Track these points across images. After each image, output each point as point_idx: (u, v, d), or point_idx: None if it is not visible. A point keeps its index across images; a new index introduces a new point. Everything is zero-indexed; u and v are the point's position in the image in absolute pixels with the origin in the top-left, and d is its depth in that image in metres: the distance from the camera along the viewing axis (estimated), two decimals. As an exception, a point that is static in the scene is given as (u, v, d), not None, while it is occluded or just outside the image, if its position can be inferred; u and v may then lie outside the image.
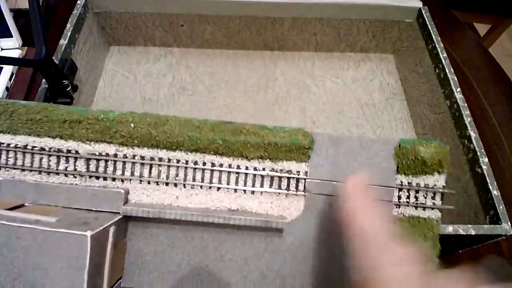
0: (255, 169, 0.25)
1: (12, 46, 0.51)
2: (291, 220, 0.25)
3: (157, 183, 0.25)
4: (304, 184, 0.25)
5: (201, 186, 0.25)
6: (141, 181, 0.25)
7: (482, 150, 0.35)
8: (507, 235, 0.31)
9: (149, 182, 0.25)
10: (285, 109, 0.49)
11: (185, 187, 0.25)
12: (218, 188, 0.25)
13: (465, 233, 0.31)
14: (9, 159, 0.25)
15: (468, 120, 0.38)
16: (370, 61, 0.54)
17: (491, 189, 0.33)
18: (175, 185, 0.25)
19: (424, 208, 0.24)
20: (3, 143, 0.25)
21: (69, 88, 0.38)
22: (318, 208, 0.24)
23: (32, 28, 0.33)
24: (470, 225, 0.31)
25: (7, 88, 0.47)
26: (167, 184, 0.25)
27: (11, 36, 0.50)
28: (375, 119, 0.49)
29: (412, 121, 0.49)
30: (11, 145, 0.25)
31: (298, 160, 0.25)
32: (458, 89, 0.40)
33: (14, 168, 0.25)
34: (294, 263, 0.24)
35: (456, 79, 0.41)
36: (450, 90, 0.41)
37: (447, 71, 0.42)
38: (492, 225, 0.32)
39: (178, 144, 0.25)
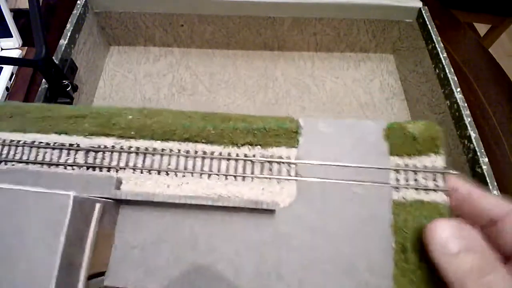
0: (245, 155, 0.25)
1: (12, 46, 0.51)
2: (284, 207, 0.24)
3: (149, 172, 0.25)
4: (296, 169, 0.24)
5: (192, 174, 0.25)
6: (134, 170, 0.25)
7: (482, 150, 0.35)
8: (507, 235, 0.31)
9: (141, 172, 0.25)
10: (285, 109, 0.49)
11: (176, 175, 0.25)
12: (209, 176, 0.25)
13: (465, 233, 0.31)
14: (16, 155, 0.26)
15: (468, 120, 0.38)
16: (370, 61, 0.55)
17: (491, 189, 0.33)
18: (167, 173, 0.25)
19: (426, 191, 0.23)
20: (13, 141, 0.26)
21: (69, 88, 0.38)
22: (312, 193, 0.23)
23: (32, 28, 0.33)
24: (470, 225, 0.31)
25: (7, 88, 0.47)
26: (159, 173, 0.25)
27: (11, 36, 0.50)
28: (375, 119, 0.49)
29: (412, 121, 0.49)
30: (20, 142, 0.26)
31: (287, 145, 0.25)
32: (458, 89, 0.40)
33: (19, 162, 0.26)
34: (289, 254, 0.23)
35: (456, 79, 0.41)
36: (450, 90, 0.41)
37: (447, 71, 0.42)
38: (492, 225, 0.32)
39: (171, 133, 0.26)
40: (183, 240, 0.24)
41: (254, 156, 0.25)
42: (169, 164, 0.25)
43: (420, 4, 0.49)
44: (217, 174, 0.25)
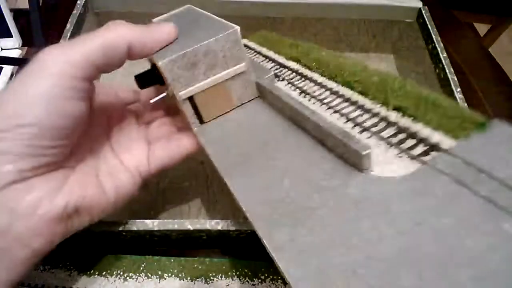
0: (386, 118, 0.23)
1: (12, 46, 0.51)
2: (380, 176, 0.20)
3: (314, 99, 0.28)
4: (433, 155, 0.20)
5: (326, 105, 0.27)
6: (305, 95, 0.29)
7: (482, 150, 0.35)
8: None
9: (309, 100, 0.28)
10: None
11: (317, 104, 0.27)
12: (334, 112, 0.26)
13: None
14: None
15: (468, 120, 0.38)
16: (370, 61, 0.54)
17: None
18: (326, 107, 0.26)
19: None
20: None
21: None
22: (429, 188, 0.18)
23: (32, 28, 0.33)
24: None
25: (7, 88, 0.47)
26: (322, 104, 0.27)
27: (11, 36, 0.50)
28: (375, 119, 0.49)
29: (412, 121, 0.49)
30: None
31: (450, 133, 0.20)
32: (458, 89, 0.40)
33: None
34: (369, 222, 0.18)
35: (456, 79, 0.41)
36: (450, 90, 0.41)
37: (447, 71, 0.42)
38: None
39: (352, 83, 0.27)
40: (272, 140, 0.25)
41: (396, 122, 0.22)
42: (329, 102, 0.27)
43: (420, 4, 0.49)
44: (352, 123, 0.24)
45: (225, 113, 0.28)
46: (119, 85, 0.28)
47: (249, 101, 0.29)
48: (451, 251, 0.15)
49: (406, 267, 0.15)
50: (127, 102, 0.28)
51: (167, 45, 0.25)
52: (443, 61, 0.43)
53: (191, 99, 0.26)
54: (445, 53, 0.43)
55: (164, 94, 0.27)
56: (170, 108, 0.29)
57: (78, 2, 0.45)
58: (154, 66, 0.25)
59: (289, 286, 0.16)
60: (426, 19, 0.47)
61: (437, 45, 0.44)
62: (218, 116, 0.28)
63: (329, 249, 0.17)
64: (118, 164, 0.26)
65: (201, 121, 0.27)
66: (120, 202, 0.25)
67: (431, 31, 0.46)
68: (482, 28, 1.09)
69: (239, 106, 0.28)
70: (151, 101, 0.27)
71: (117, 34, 0.21)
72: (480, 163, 0.18)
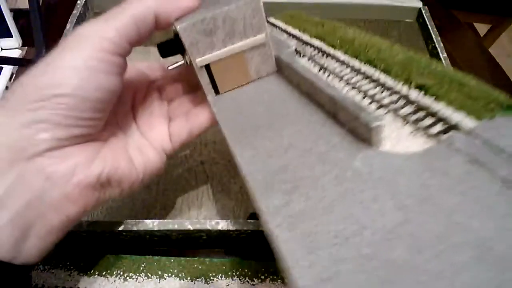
0: (406, 96, 0.22)
1: (12, 46, 0.51)
2: (391, 151, 0.19)
3: (322, 69, 0.27)
4: (451, 134, 0.19)
5: (342, 79, 0.26)
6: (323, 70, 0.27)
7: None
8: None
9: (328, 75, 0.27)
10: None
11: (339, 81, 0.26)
12: (352, 87, 0.25)
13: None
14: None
15: (468, 120, 0.37)
16: (370, 61, 0.54)
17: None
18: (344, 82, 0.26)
19: None
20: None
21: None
22: (441, 166, 0.18)
23: (32, 28, 0.33)
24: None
25: (7, 88, 0.47)
26: (326, 73, 0.27)
27: (11, 36, 0.50)
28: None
29: (412, 121, 0.49)
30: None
31: (472, 114, 0.19)
32: (458, 89, 0.40)
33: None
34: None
35: (456, 79, 0.41)
36: (450, 90, 0.41)
37: (447, 71, 0.42)
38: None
39: (376, 62, 0.25)
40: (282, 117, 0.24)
41: (417, 100, 0.21)
42: (346, 77, 0.26)
43: (420, 4, 0.49)
44: (364, 92, 0.23)
45: (242, 85, 0.28)
46: (144, 62, 0.30)
47: (266, 75, 0.28)
48: (454, 231, 0.15)
49: (403, 241, 0.15)
50: (152, 79, 0.29)
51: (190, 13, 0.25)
52: (443, 61, 0.43)
53: (208, 67, 0.26)
54: (445, 53, 0.43)
55: (182, 61, 0.27)
56: (192, 84, 0.29)
57: (78, 2, 0.45)
58: (177, 36, 0.25)
59: (276, 249, 0.16)
60: (426, 19, 0.47)
61: (437, 45, 0.44)
62: (234, 88, 0.28)
63: (323, 216, 0.17)
64: (144, 140, 0.26)
65: (217, 92, 0.27)
66: (147, 178, 0.25)
67: (431, 31, 0.46)
68: (482, 28, 1.09)
69: (256, 79, 0.28)
70: (169, 67, 0.27)
71: (145, 5, 0.22)
72: (502, 143, 0.17)
